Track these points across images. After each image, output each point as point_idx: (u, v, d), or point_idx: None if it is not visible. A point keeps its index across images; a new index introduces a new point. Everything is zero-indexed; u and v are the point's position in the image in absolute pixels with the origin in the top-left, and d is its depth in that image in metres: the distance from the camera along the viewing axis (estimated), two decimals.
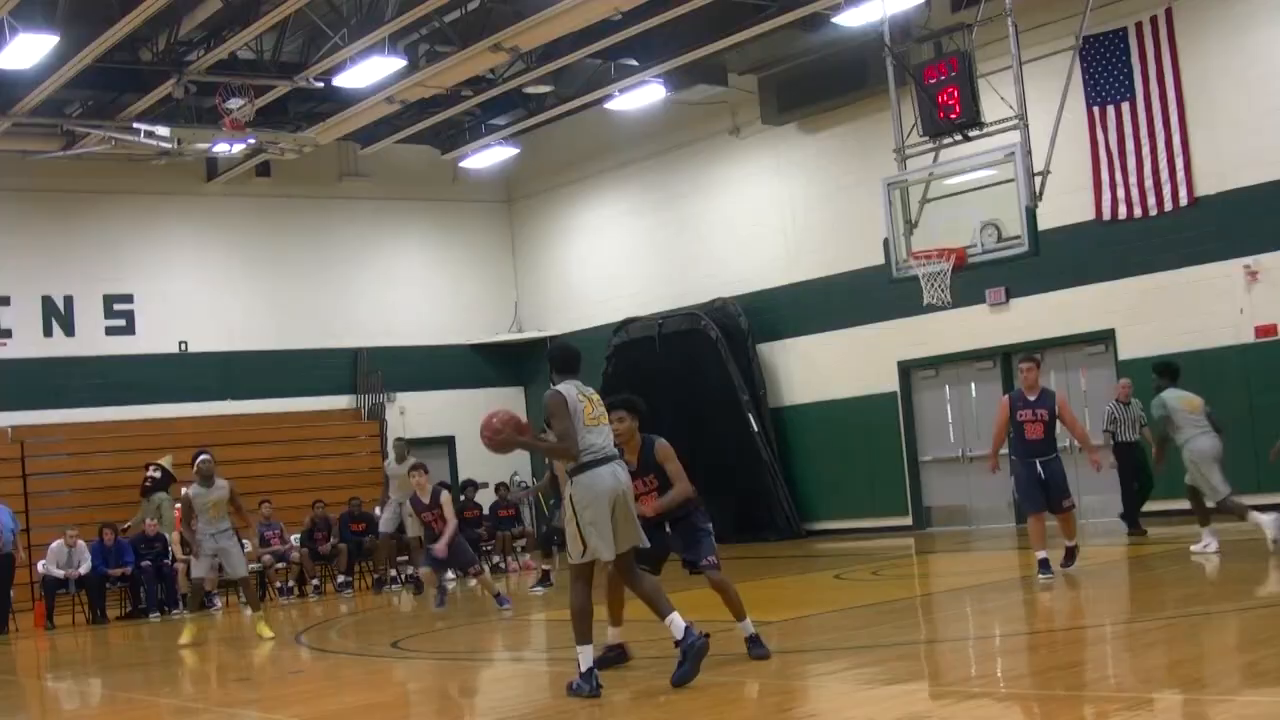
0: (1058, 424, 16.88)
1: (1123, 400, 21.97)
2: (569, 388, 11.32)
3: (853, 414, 28.76)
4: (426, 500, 19.93)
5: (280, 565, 26.14)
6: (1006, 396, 17.42)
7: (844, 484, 29.07)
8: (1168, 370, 18.81)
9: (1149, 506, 22.30)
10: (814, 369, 29.44)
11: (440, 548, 19.68)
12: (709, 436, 28.65)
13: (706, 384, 29.91)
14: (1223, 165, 23.65)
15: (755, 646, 11.98)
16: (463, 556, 20.27)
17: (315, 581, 26.64)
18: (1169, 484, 20.32)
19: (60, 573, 24.38)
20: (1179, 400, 18.32)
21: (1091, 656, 11.76)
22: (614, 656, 12.37)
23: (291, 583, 26.46)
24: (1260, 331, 23.26)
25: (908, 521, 27.88)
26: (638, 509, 11.25)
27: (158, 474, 27.69)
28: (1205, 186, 23.86)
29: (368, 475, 31.41)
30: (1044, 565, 16.40)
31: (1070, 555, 16.96)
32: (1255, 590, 15.34)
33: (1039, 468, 16.63)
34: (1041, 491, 16.73)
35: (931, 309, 20.37)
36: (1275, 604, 14.44)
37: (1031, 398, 16.88)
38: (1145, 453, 21.23)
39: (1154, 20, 24.23)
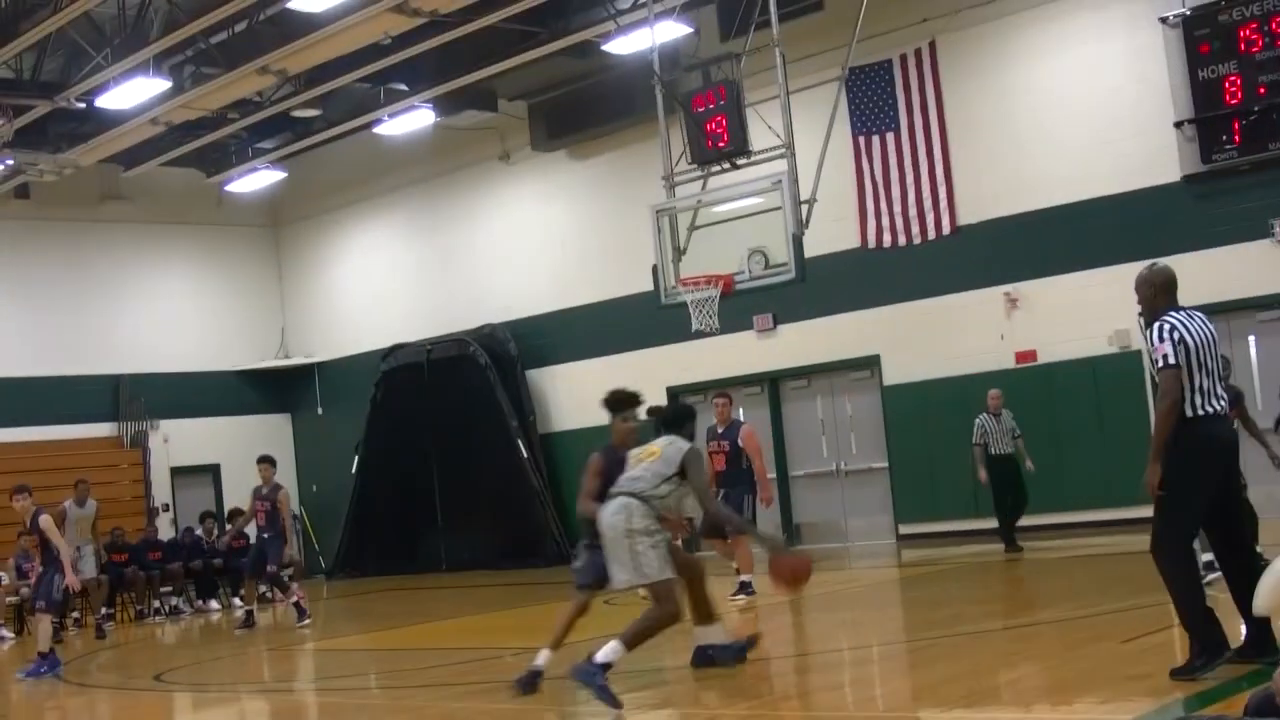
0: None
1: (994, 411, 21.23)
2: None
3: None
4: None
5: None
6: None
7: None
8: None
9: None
10: (583, 395, 29.46)
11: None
12: (478, 462, 28.59)
13: (476, 410, 29.84)
14: (984, 195, 24.21)
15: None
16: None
17: (75, 614, 25.97)
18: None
19: None
20: None
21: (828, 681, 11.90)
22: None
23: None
24: (1020, 357, 23.81)
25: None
26: None
27: None
28: (967, 215, 24.42)
29: (130, 505, 30.78)
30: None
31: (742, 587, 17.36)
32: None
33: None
34: None
35: (700, 335, 20.51)
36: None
37: (720, 429, 17.90)
38: (1019, 466, 21.19)
39: (918, 53, 24.73)
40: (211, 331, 34.71)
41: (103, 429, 32.92)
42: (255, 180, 32.85)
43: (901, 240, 24.98)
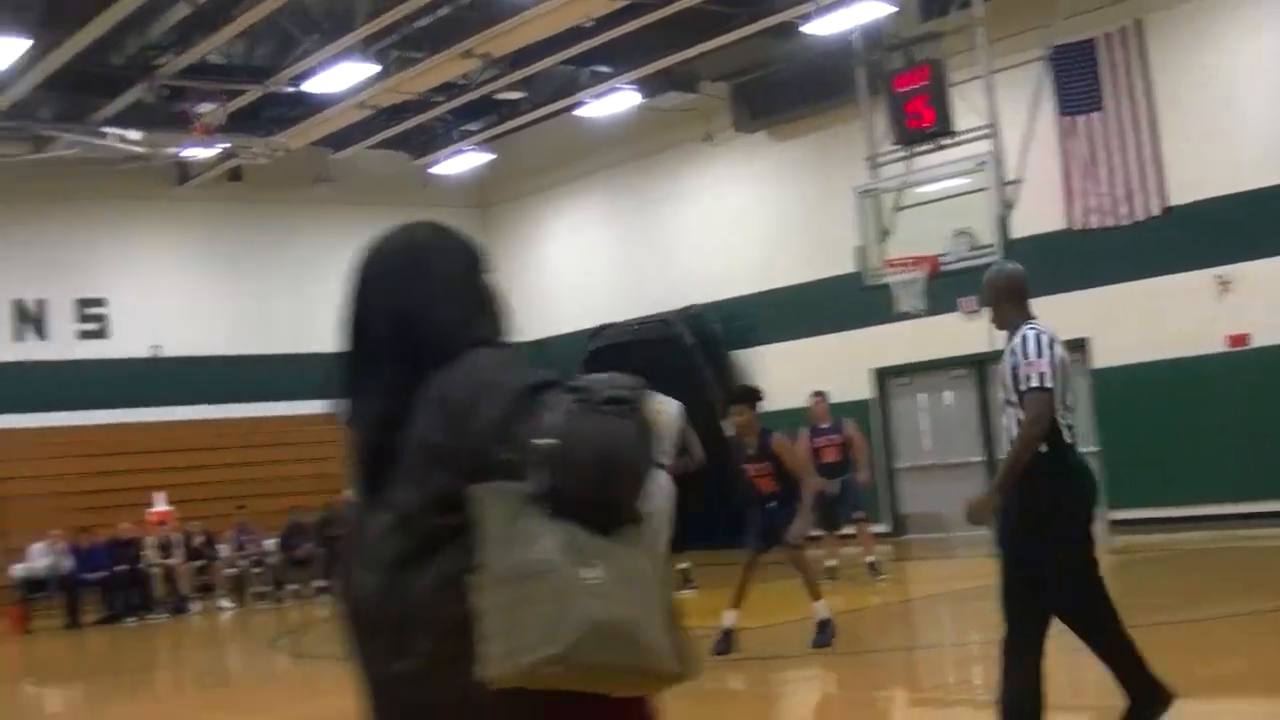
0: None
1: None
2: None
3: None
4: None
5: (257, 570, 26.03)
6: None
7: None
8: None
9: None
10: (786, 375, 29.42)
11: None
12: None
13: (682, 390, 29.73)
14: (1194, 175, 23.72)
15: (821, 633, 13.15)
16: None
17: (292, 587, 26.60)
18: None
19: (44, 573, 24.25)
20: None
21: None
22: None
23: (268, 588, 26.37)
24: (1232, 341, 23.36)
25: (885, 528, 27.91)
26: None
27: None
28: (1177, 196, 23.95)
29: (329, 482, 31.34)
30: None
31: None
32: None
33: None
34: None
35: (905, 316, 20.43)
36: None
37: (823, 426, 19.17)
38: None
39: (1123, 31, 24.30)
40: None
41: (318, 406, 33.46)
42: (461, 162, 33.25)
43: (1109, 221, 24.58)
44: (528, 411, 3.09)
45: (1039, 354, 7.60)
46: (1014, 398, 7.64)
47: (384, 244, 3.49)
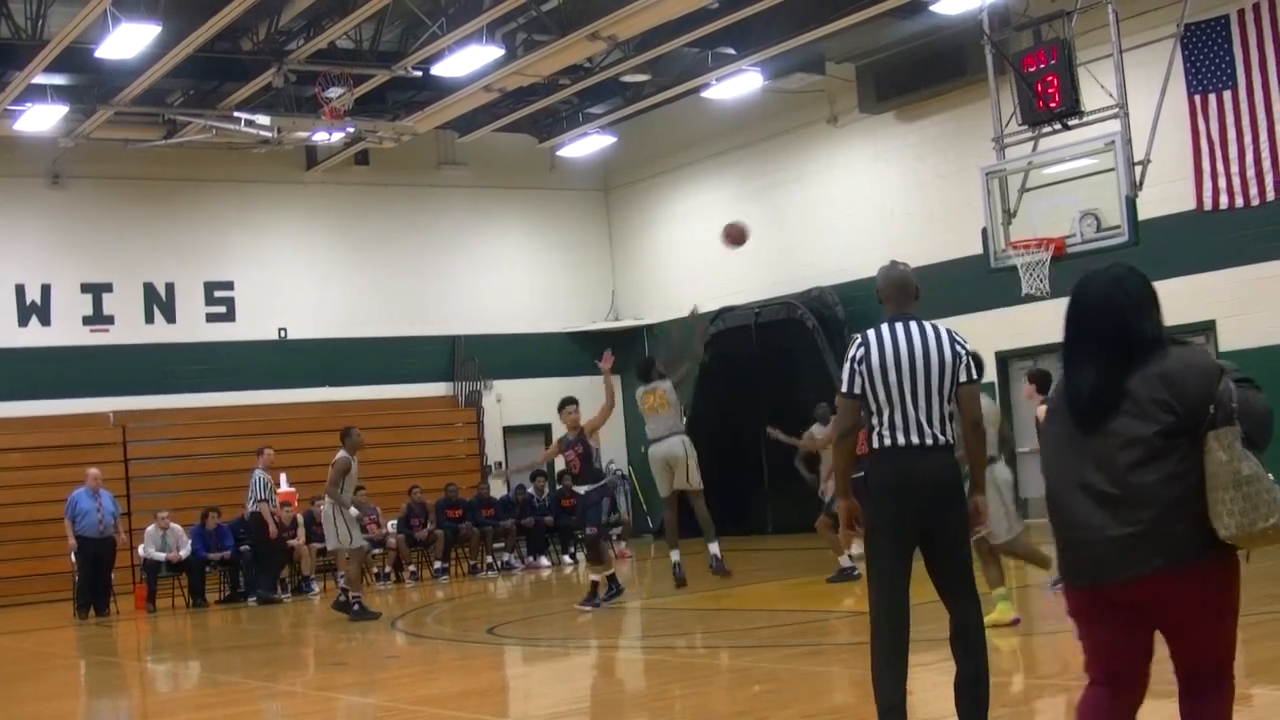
0: None
1: None
2: None
3: None
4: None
5: (378, 551, 26.26)
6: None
7: None
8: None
9: None
10: None
11: None
12: (806, 426, 28.61)
13: (802, 374, 29.81)
14: None
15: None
16: None
17: (412, 568, 26.80)
18: None
19: (160, 555, 24.59)
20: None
21: None
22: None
23: (388, 569, 26.58)
24: None
25: None
26: None
27: None
28: None
29: (464, 462, 31.59)
30: None
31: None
32: None
33: None
34: None
35: (1030, 299, 20.18)
36: None
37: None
38: None
39: (1256, 8, 23.90)
40: (543, 294, 35.29)
41: (439, 389, 33.80)
42: (586, 145, 33.33)
43: (1239, 202, 24.19)
44: (1219, 385, 5.50)
45: (846, 360, 8.04)
46: None
47: (1099, 276, 6.02)
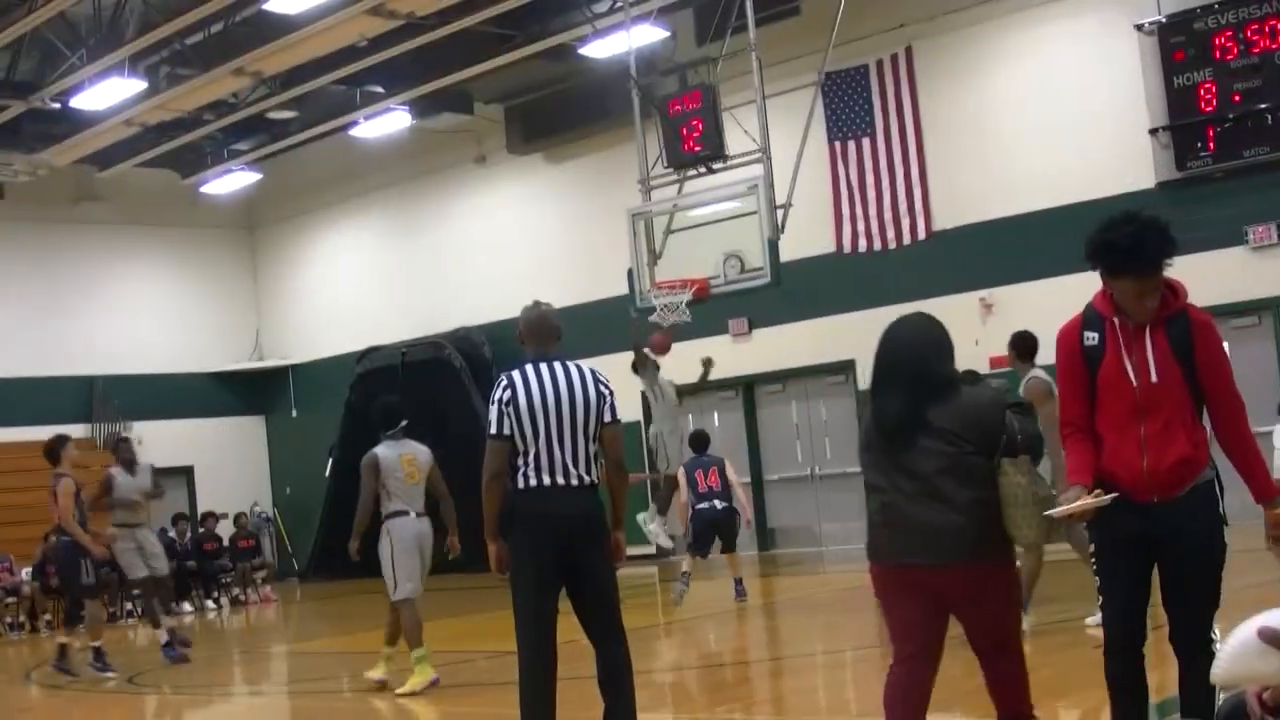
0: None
1: None
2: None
3: None
4: None
5: (10, 600, 25.30)
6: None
7: None
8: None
9: None
10: None
11: None
12: (452, 466, 28.50)
13: (451, 413, 29.74)
14: (959, 200, 24.25)
15: None
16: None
17: (47, 617, 25.88)
18: None
19: None
20: None
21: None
22: None
23: (22, 618, 25.65)
24: (994, 362, 23.77)
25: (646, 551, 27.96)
26: None
27: None
28: (942, 220, 24.47)
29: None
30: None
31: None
32: None
33: None
34: None
35: (673, 326, 20.40)
36: None
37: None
38: None
39: (894, 58, 24.77)
40: (186, 333, 34.59)
41: (76, 430, 32.78)
42: (231, 182, 32.78)
43: (877, 245, 25.02)
44: (1004, 419, 6.44)
45: (494, 401, 8.14)
46: None
47: (907, 322, 6.69)
